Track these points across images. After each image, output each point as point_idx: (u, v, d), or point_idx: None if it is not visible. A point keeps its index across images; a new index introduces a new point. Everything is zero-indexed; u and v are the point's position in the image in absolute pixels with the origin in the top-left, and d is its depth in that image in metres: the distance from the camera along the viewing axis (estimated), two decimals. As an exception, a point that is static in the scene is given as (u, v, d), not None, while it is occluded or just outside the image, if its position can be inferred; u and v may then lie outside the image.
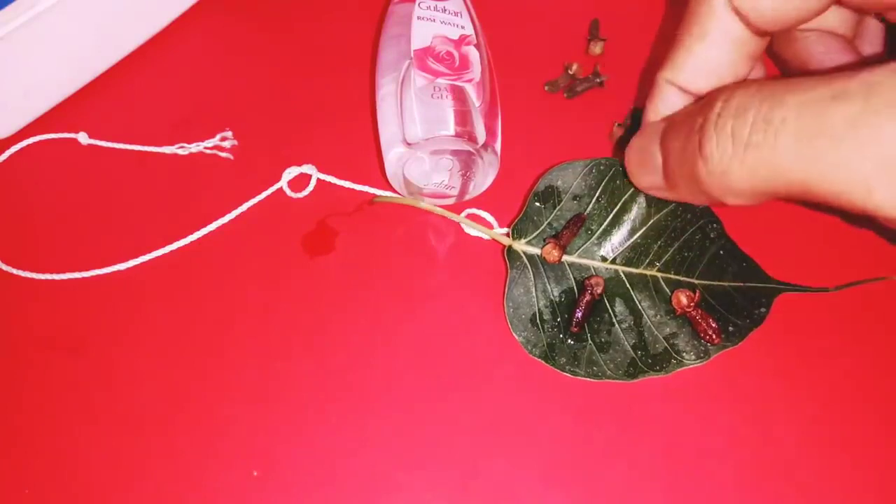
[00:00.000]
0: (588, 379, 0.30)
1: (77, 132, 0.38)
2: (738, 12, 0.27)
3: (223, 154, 0.38)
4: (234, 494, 0.29)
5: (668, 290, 0.31)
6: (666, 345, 0.31)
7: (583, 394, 0.31)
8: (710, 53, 0.28)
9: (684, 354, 0.30)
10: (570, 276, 0.32)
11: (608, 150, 0.37)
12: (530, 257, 0.32)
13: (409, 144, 0.31)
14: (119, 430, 0.31)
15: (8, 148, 0.38)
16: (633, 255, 0.32)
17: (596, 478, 0.29)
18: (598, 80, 0.39)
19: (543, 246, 0.32)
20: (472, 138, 0.31)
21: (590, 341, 0.31)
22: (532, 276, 0.32)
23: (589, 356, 0.31)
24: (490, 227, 0.35)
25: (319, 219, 0.36)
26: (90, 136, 0.38)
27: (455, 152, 0.32)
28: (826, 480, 0.29)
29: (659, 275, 0.32)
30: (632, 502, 0.29)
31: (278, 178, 0.36)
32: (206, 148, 0.38)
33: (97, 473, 0.30)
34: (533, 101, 0.39)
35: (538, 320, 0.31)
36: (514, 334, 0.31)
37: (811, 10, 0.27)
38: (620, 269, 0.32)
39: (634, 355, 0.31)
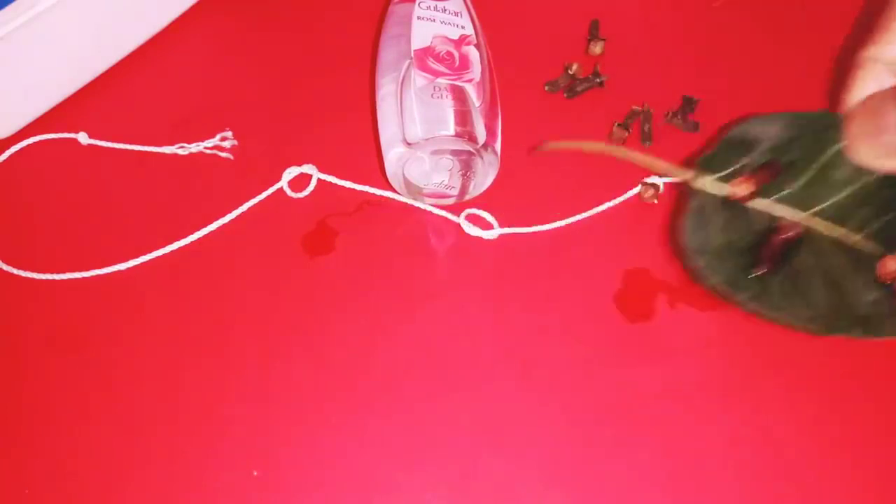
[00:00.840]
0: (774, 322, 0.28)
1: (77, 132, 0.38)
2: None
3: (223, 154, 0.37)
4: (234, 494, 0.29)
5: (870, 258, 0.29)
6: (867, 311, 0.28)
7: (583, 393, 0.31)
8: None
9: (888, 323, 0.27)
10: (759, 219, 0.30)
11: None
12: (715, 195, 0.30)
13: (409, 144, 0.31)
14: (119, 430, 0.31)
15: (8, 148, 0.38)
16: (835, 215, 0.29)
17: (596, 478, 0.29)
18: (598, 80, 0.39)
19: (734, 180, 0.30)
20: (472, 138, 0.31)
21: (779, 286, 0.28)
22: (714, 212, 0.30)
23: (778, 300, 0.28)
24: (490, 227, 0.35)
25: (319, 219, 0.36)
26: (90, 137, 0.38)
27: (455, 152, 0.32)
28: (826, 480, 0.29)
29: (862, 240, 0.29)
30: (632, 502, 0.29)
31: (278, 178, 0.36)
32: (206, 148, 0.38)
33: (97, 473, 0.30)
34: (533, 101, 0.39)
35: (719, 252, 0.29)
36: (692, 259, 0.29)
37: None
38: (819, 223, 0.29)
39: (830, 311, 0.28)
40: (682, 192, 0.32)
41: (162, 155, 0.38)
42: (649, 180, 0.35)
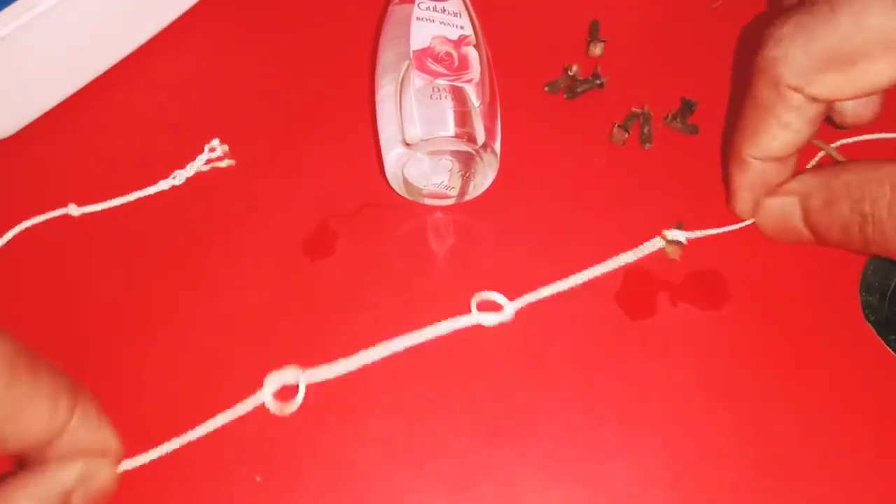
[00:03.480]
0: None
1: (66, 205, 0.36)
2: (818, 101, 0.28)
3: (222, 164, 0.37)
4: (236, 499, 0.29)
5: None
6: None
7: (583, 392, 0.31)
8: (791, 134, 0.30)
9: None
10: None
11: (608, 152, 0.37)
12: None
13: (408, 145, 0.31)
14: (118, 431, 0.31)
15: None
16: None
17: (596, 477, 0.29)
18: (598, 81, 0.39)
19: None
20: (471, 139, 0.31)
21: None
22: None
23: None
24: (500, 308, 0.32)
25: (320, 220, 0.36)
26: (79, 205, 0.36)
27: (455, 153, 0.32)
28: (826, 480, 0.29)
29: None
30: (632, 502, 0.29)
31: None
32: (202, 165, 0.37)
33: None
34: (533, 101, 0.39)
35: (889, 295, 0.32)
36: (859, 293, 0.32)
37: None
38: None
39: None
40: None
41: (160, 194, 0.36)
42: (671, 236, 0.34)
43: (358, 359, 0.31)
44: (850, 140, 0.36)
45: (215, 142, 0.37)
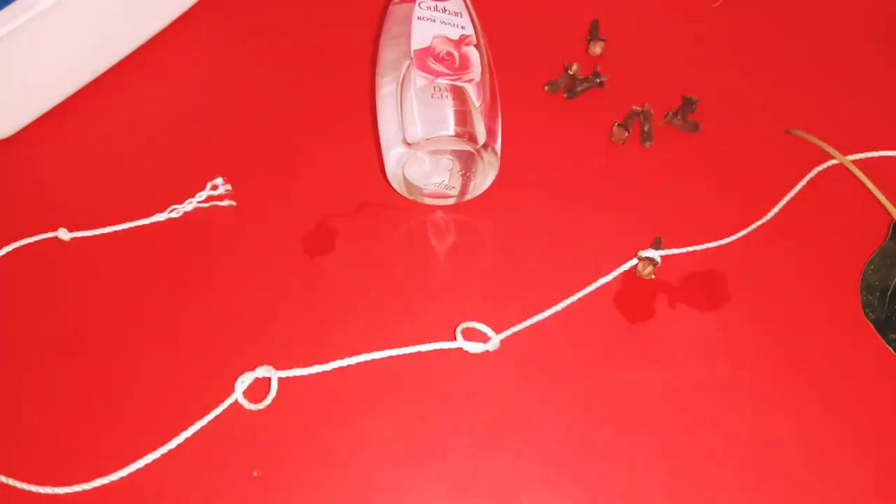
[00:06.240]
0: None
1: (61, 230, 0.35)
2: None
3: (223, 203, 0.36)
4: (234, 494, 0.29)
5: None
6: None
7: (583, 394, 0.31)
8: None
9: None
10: None
11: (608, 150, 0.37)
12: None
13: (409, 144, 0.31)
14: (118, 429, 0.31)
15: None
16: None
17: (596, 478, 0.29)
18: (598, 80, 0.39)
19: None
20: (472, 138, 0.31)
21: None
22: None
23: None
24: (486, 339, 0.32)
25: (320, 219, 0.36)
26: (70, 230, 0.35)
27: (455, 152, 0.32)
28: (826, 480, 0.29)
29: None
30: (632, 502, 0.29)
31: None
32: (199, 202, 0.36)
33: (97, 473, 0.30)
34: (533, 101, 0.39)
35: (889, 294, 0.32)
36: (859, 292, 0.32)
37: None
38: None
39: None
40: (893, 227, 0.34)
41: (157, 224, 0.36)
42: (644, 254, 0.33)
43: (351, 360, 0.31)
44: (862, 156, 0.36)
45: (218, 180, 0.37)
